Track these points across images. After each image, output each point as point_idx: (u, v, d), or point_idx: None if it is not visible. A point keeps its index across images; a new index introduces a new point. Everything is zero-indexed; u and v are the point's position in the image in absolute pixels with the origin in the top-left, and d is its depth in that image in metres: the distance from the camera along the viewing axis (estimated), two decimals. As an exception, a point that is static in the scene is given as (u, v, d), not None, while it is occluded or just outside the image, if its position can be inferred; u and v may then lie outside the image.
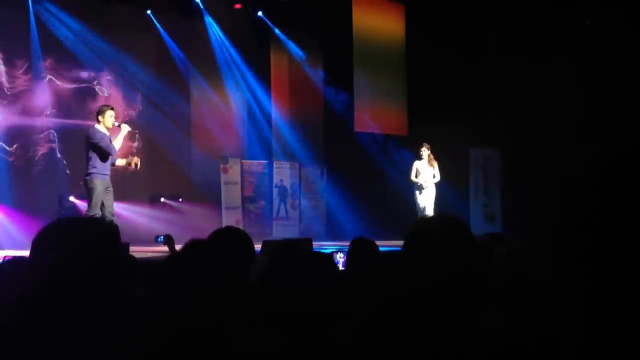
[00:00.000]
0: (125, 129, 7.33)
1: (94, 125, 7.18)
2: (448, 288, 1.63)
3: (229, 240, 2.60)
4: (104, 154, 7.04)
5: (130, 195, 11.38)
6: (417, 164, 10.14)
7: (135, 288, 2.09)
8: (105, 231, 1.74)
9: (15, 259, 2.22)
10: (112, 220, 6.61)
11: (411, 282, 1.68)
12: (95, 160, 7.03)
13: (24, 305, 1.59)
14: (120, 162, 7.41)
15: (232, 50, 12.72)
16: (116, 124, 7.25)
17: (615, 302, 1.36)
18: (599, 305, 1.38)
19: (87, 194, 7.12)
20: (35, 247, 1.66)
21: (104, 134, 7.11)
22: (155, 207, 11.80)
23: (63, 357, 1.54)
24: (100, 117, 7.15)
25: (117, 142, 7.23)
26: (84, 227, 1.74)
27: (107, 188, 7.10)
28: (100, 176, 7.02)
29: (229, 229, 2.79)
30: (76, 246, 1.65)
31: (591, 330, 1.38)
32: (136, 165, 7.45)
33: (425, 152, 10.10)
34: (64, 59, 10.94)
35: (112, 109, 7.32)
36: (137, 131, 7.62)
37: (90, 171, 7.01)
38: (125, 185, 11.59)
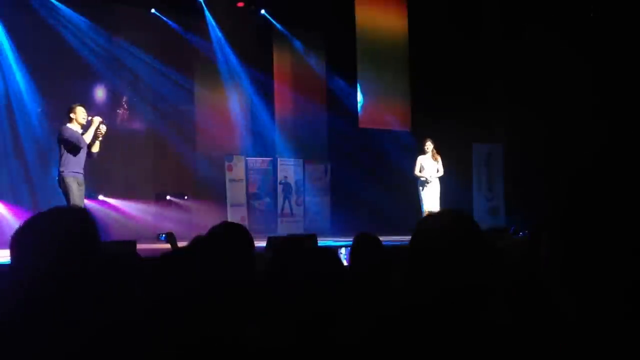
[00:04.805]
0: (97, 121, 7.22)
1: (65, 124, 7.14)
2: (457, 286, 1.61)
3: (229, 236, 2.61)
4: (75, 148, 7.03)
5: (136, 194, 11.44)
6: (421, 159, 10.15)
7: (140, 285, 2.10)
8: (78, 219, 1.73)
9: None
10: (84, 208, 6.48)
11: (419, 280, 1.66)
12: (67, 158, 7.04)
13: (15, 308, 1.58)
14: (89, 135, 7.16)
15: (235, 48, 12.74)
16: (88, 118, 7.20)
17: (619, 294, 1.37)
18: (602, 296, 1.40)
19: (64, 195, 7.12)
20: (12, 249, 1.66)
21: (74, 130, 7.10)
22: (161, 205, 11.85)
23: (62, 356, 1.55)
24: (72, 115, 7.13)
25: (88, 135, 7.15)
26: (57, 221, 1.71)
27: (80, 185, 7.10)
28: (72, 174, 7.02)
29: (228, 225, 2.80)
30: (52, 244, 1.63)
31: (594, 320, 1.40)
32: (101, 127, 7.21)
33: (429, 146, 10.11)
34: (68, 57, 10.96)
35: (82, 105, 7.25)
36: (106, 122, 7.52)
37: (61, 169, 7.04)
38: (132, 184, 11.67)
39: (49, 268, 1.60)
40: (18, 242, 1.65)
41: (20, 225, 1.68)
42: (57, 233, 1.66)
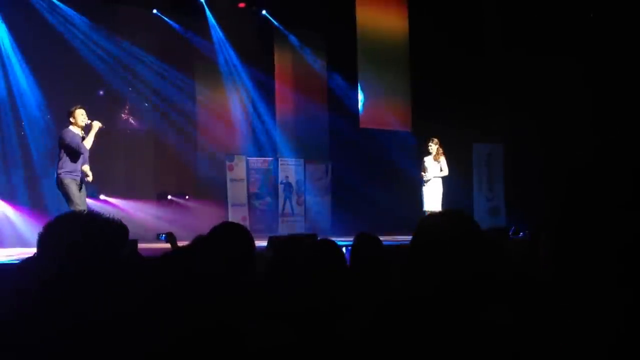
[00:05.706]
0: (97, 126, 7.25)
1: (67, 127, 7.21)
2: (457, 285, 1.62)
3: (229, 236, 2.62)
4: (75, 154, 7.10)
5: (137, 193, 11.46)
6: (425, 159, 10.15)
7: (141, 284, 2.11)
8: (111, 227, 1.76)
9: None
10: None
11: (419, 279, 1.67)
12: (66, 161, 7.11)
13: (37, 301, 1.61)
14: (89, 141, 7.19)
15: (236, 48, 12.75)
16: (88, 121, 7.23)
17: (618, 293, 1.38)
18: (602, 296, 1.40)
19: (64, 196, 7.17)
20: (42, 242, 1.69)
21: (75, 134, 7.16)
22: (162, 205, 11.87)
23: (74, 351, 1.57)
24: (71, 119, 7.20)
25: (88, 141, 7.21)
26: (89, 222, 1.75)
27: (79, 186, 7.17)
28: (70, 175, 7.09)
29: (228, 224, 2.80)
30: (82, 240, 1.67)
31: (594, 320, 1.40)
32: (100, 127, 7.25)
33: (432, 146, 10.08)
34: (70, 57, 10.97)
35: (81, 107, 7.29)
36: (104, 126, 7.54)
37: (59, 172, 7.11)
38: (133, 183, 11.69)
39: (57, 269, 1.62)
40: (38, 241, 1.68)
41: (45, 224, 1.71)
42: (69, 237, 1.68)
